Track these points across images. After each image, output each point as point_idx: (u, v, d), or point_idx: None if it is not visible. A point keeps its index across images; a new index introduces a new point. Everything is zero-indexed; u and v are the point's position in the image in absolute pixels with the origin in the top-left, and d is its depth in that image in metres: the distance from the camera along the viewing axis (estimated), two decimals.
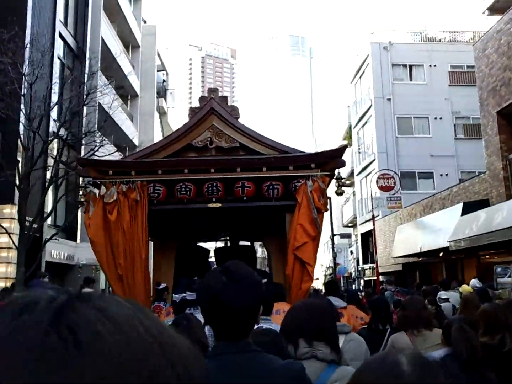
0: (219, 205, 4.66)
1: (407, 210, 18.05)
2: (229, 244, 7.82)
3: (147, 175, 4.63)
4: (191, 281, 5.62)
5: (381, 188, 18.55)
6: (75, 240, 14.46)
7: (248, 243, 7.82)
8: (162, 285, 5.13)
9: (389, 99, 22.00)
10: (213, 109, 4.91)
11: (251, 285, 1.38)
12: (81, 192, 4.59)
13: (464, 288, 6.95)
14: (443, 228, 12.97)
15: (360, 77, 25.13)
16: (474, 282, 8.65)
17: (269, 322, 3.42)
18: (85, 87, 10.61)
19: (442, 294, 6.75)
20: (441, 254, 14.14)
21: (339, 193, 4.79)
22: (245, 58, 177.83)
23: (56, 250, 12.96)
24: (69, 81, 11.56)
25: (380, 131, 21.72)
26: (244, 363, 1.32)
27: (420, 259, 16.47)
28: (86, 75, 11.59)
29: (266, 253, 6.71)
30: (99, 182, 4.72)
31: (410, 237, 15.80)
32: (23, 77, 8.97)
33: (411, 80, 22.73)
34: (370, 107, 22.68)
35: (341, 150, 4.73)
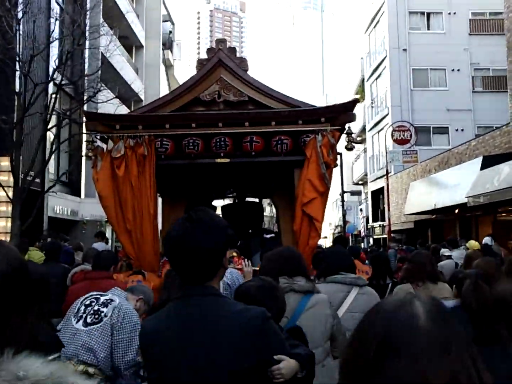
0: (227, 160, 4.69)
1: (421, 166, 17.75)
2: (236, 200, 7.91)
3: (154, 130, 4.64)
4: None
5: (396, 141, 17.99)
6: (79, 195, 14.44)
7: (256, 200, 7.90)
8: None
9: (404, 50, 21.35)
10: (221, 61, 4.83)
11: (213, 228, 1.40)
12: (88, 147, 4.63)
13: (471, 244, 6.99)
14: (460, 184, 12.68)
15: (374, 27, 24.29)
16: (487, 239, 8.59)
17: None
18: (83, 25, 10.24)
19: (445, 251, 6.84)
20: (456, 211, 13.94)
21: (349, 148, 4.79)
22: (255, 12, 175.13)
23: (59, 206, 12.93)
24: (67, 23, 11.15)
25: (394, 84, 21.24)
26: (203, 306, 1.36)
27: (433, 216, 16.34)
28: (83, 15, 11.16)
29: (274, 210, 6.80)
30: (106, 137, 4.77)
31: (424, 193, 15.52)
32: (12, 13, 8.56)
33: (428, 29, 21.96)
34: (384, 58, 22.07)
35: (352, 103, 4.69)
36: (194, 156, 4.70)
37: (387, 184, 16.64)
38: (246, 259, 3.68)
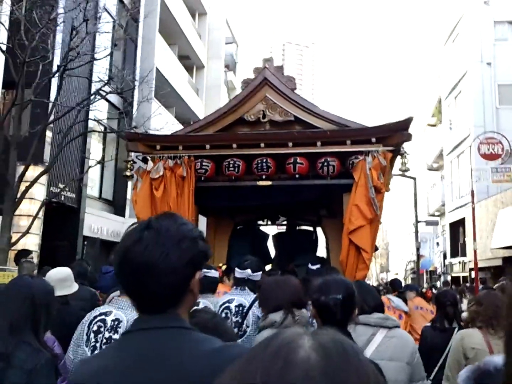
0: (269, 183, 4.74)
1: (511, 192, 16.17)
2: (288, 228, 7.91)
3: (194, 150, 4.82)
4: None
5: (485, 156, 15.89)
6: (123, 215, 14.13)
7: (310, 228, 7.86)
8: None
9: (489, 63, 20.46)
10: (267, 79, 4.96)
11: (179, 240, 1.12)
12: (127, 167, 4.89)
13: None
14: None
15: (453, 40, 23.61)
16: None
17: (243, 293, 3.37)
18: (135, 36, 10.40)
19: None
20: None
21: (404, 170, 4.65)
22: (325, 45, 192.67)
23: (98, 225, 12.63)
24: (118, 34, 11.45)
25: (477, 102, 20.34)
26: (160, 343, 1.07)
27: None
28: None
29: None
30: (148, 158, 5.02)
31: None
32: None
33: None
34: (465, 73, 21.30)
35: (407, 122, 4.57)
36: (235, 178, 4.80)
37: (473, 209, 14.74)
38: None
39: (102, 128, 13.02)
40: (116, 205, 14.12)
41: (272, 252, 7.72)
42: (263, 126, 4.99)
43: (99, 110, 9.52)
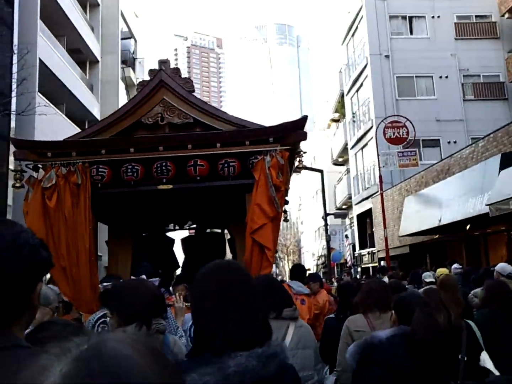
0: (170, 186, 4.91)
1: (415, 179, 17.00)
2: (196, 232, 8.13)
3: (89, 156, 4.85)
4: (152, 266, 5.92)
5: (390, 140, 16.31)
6: None
7: (218, 231, 8.14)
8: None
9: (387, 56, 22.09)
10: (163, 81, 5.10)
11: (14, 248, 1.06)
12: (16, 177, 4.80)
13: (441, 271, 7.14)
14: (473, 191, 11.55)
15: (352, 35, 25.18)
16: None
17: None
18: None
19: (427, 276, 7.08)
20: (468, 226, 12.96)
21: (300, 168, 5.06)
22: (232, 48, 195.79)
23: None
24: None
25: (377, 94, 21.84)
26: None
27: (436, 236, 15.35)
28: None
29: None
30: (39, 166, 4.95)
31: (423, 209, 14.59)
32: None
33: (411, 34, 22.88)
34: (365, 66, 22.81)
35: (302, 121, 4.97)
36: (134, 183, 4.91)
37: (381, 195, 15.18)
38: (177, 294, 3.84)
39: None
40: None
41: (181, 257, 7.90)
42: (162, 129, 5.14)
43: None
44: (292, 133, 4.91)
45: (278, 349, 1.51)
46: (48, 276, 13.94)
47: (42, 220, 4.69)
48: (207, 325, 1.49)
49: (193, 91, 5.30)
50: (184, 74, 5.54)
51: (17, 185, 4.81)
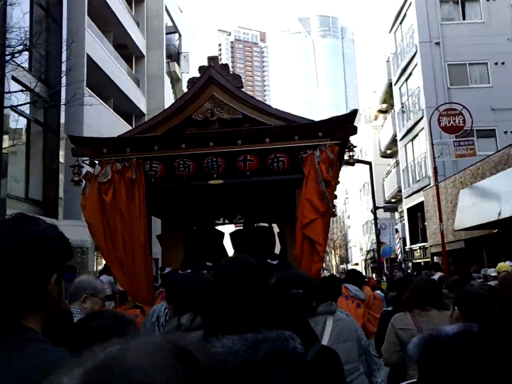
0: (220, 181, 5.07)
1: (471, 171, 16.43)
2: (245, 226, 8.28)
3: (142, 152, 5.08)
4: (201, 261, 6.14)
5: (445, 129, 15.67)
6: (55, 217, 13.53)
7: (266, 225, 8.28)
8: (167, 270, 5.64)
9: (437, 43, 21.53)
10: (213, 78, 5.27)
11: (28, 240, 1.12)
12: (74, 172, 5.09)
13: (502, 266, 7.03)
14: None
15: (400, 23, 24.68)
16: None
17: None
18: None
19: (492, 271, 6.88)
20: None
21: (351, 162, 5.11)
22: (275, 41, 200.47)
23: None
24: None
25: (428, 83, 21.34)
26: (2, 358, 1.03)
27: (495, 230, 14.66)
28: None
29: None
30: (96, 161, 5.23)
31: (481, 202, 14.09)
32: None
33: (464, 19, 22.20)
34: (414, 54, 22.34)
35: (351, 115, 5.02)
36: (186, 178, 5.10)
37: (437, 186, 14.52)
38: None
39: (25, 120, 12.73)
40: (47, 206, 13.60)
41: (230, 251, 8.09)
42: (212, 125, 5.30)
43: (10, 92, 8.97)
44: (341, 127, 4.96)
45: (271, 335, 1.56)
46: (93, 268, 14.25)
47: (99, 214, 4.96)
48: (208, 314, 1.65)
49: (242, 86, 5.44)
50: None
51: (76, 179, 5.09)
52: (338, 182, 5.17)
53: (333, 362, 2.35)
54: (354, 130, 4.97)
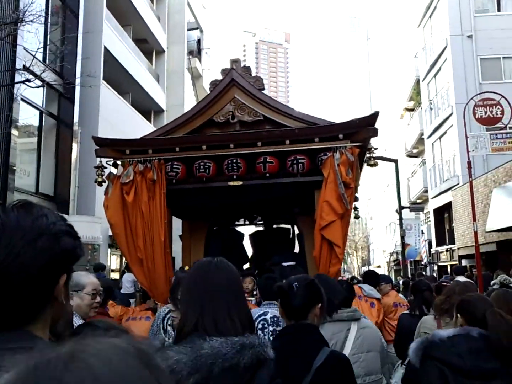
0: (240, 183, 5.30)
1: (504, 169, 15.90)
2: (264, 227, 8.54)
3: (164, 153, 5.34)
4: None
5: (481, 120, 14.78)
6: (66, 212, 13.62)
7: (287, 226, 8.52)
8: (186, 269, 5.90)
9: (469, 36, 21.34)
10: (234, 80, 5.49)
11: (33, 235, 1.01)
12: (97, 172, 5.39)
13: None
14: None
15: (430, 16, 24.52)
16: None
17: (276, 307, 4.04)
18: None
19: None
20: None
21: (371, 164, 5.28)
22: (300, 42, 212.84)
23: None
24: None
25: (458, 78, 21.13)
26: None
27: None
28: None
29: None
30: (118, 162, 5.52)
31: None
32: None
33: (499, 10, 21.95)
34: (444, 49, 22.20)
35: (372, 117, 5.18)
36: (206, 180, 5.35)
37: (471, 183, 14.09)
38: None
39: (37, 112, 13.01)
40: (58, 201, 13.72)
41: (250, 251, 8.35)
42: (232, 127, 5.53)
43: (33, 84, 8.98)
44: (362, 129, 5.13)
45: (256, 340, 1.63)
46: (106, 266, 14.41)
47: (121, 214, 5.25)
48: (189, 316, 1.72)
49: (263, 89, 5.65)
50: (252, 69, 5.90)
51: (99, 180, 5.39)
52: (359, 184, 5.35)
53: (343, 369, 2.33)
54: (375, 132, 5.13)
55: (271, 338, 3.82)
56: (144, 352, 0.60)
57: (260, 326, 3.86)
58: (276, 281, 4.55)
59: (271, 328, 3.92)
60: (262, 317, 3.98)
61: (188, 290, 1.83)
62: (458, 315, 2.73)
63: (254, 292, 5.71)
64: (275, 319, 3.90)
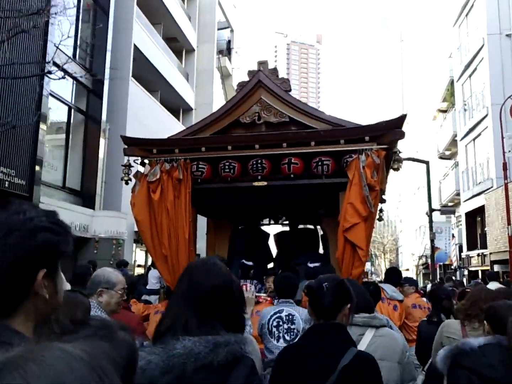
0: (264, 183, 5.39)
1: None
2: (289, 227, 8.61)
3: (190, 153, 5.47)
4: (241, 262, 6.53)
5: None
6: (92, 207, 13.83)
7: (311, 226, 8.58)
8: None
9: (508, 35, 20.92)
10: (261, 82, 5.59)
11: (9, 231, 1.03)
12: (124, 171, 5.56)
13: None
14: None
15: (466, 15, 24.12)
16: None
17: (291, 306, 4.16)
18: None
19: None
20: None
21: (395, 168, 5.30)
22: (331, 43, 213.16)
23: (61, 218, 12.61)
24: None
25: (495, 78, 20.73)
26: None
27: None
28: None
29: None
30: (145, 161, 5.68)
31: None
32: None
33: None
34: (481, 48, 21.82)
35: (400, 120, 5.19)
36: (230, 180, 5.46)
37: (506, 185, 13.74)
38: (249, 284, 4.34)
39: (66, 108, 13.35)
40: (85, 196, 13.96)
41: (274, 251, 8.44)
42: (258, 127, 5.63)
43: (55, 76, 9.05)
44: (389, 132, 5.16)
45: (232, 338, 1.63)
46: (130, 261, 14.62)
47: (147, 212, 5.41)
48: (166, 318, 1.75)
49: (290, 90, 5.73)
50: (283, 71, 5.98)
51: (125, 178, 5.56)
52: (385, 187, 5.37)
53: (369, 370, 2.31)
54: (401, 135, 5.15)
55: (285, 335, 3.97)
56: (97, 359, 0.61)
57: (275, 323, 3.99)
58: (292, 280, 4.65)
59: (285, 326, 4.04)
60: (277, 314, 4.08)
61: (173, 291, 1.88)
62: (485, 322, 2.73)
63: None
64: (290, 317, 4.01)
